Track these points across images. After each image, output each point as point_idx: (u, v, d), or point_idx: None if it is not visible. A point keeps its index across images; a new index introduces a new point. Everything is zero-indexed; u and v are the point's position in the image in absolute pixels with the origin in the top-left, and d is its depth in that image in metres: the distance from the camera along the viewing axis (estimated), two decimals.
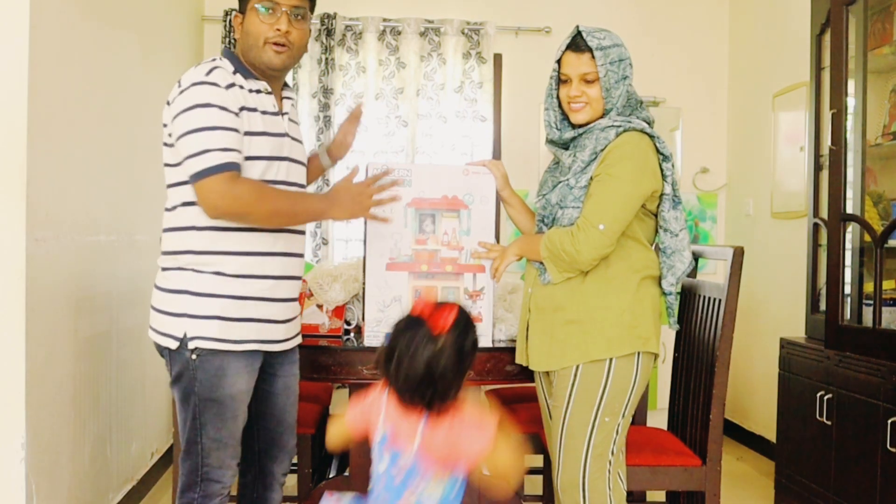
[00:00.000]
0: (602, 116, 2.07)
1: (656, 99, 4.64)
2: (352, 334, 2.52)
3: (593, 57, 2.02)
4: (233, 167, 1.84)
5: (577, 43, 2.04)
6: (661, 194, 2.05)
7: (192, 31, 4.28)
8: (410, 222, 2.26)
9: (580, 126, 2.10)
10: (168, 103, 1.92)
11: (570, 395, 2.02)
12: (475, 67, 4.45)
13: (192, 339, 1.89)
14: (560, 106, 2.14)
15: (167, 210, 1.98)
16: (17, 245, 2.25)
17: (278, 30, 1.93)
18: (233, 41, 4.29)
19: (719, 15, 4.74)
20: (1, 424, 2.25)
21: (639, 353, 2.02)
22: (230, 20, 4.29)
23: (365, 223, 2.25)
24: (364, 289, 2.28)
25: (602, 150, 2.01)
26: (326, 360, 2.31)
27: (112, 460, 3.03)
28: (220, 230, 1.90)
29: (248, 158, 1.91)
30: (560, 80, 2.10)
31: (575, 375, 2.01)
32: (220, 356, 1.91)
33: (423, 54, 4.44)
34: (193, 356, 1.89)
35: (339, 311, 2.51)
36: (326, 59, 4.34)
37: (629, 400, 2.03)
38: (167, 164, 1.97)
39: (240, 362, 1.93)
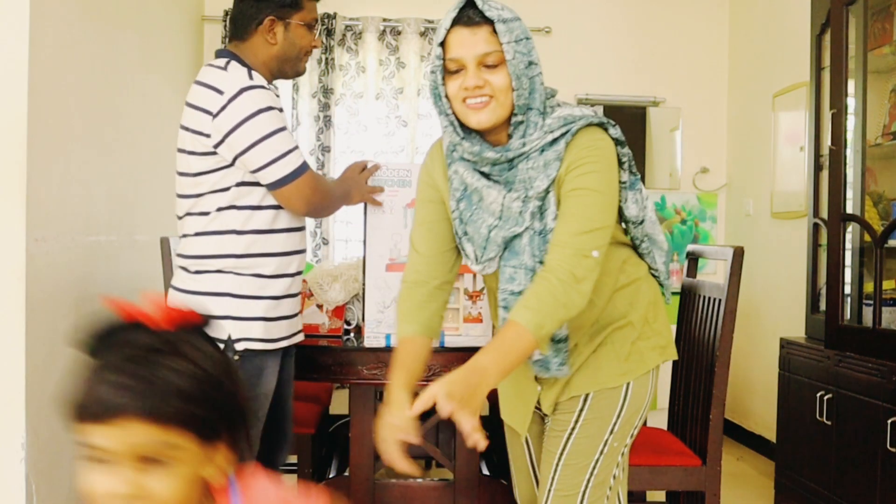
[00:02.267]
0: (510, 118, 1.55)
1: (656, 99, 4.64)
2: (352, 334, 2.52)
3: (494, 31, 1.49)
4: (308, 165, 1.95)
5: (470, 15, 1.49)
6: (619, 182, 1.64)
7: (192, 31, 4.28)
8: (410, 222, 2.26)
9: (485, 133, 1.58)
10: (209, 113, 1.88)
11: (575, 422, 1.68)
12: None
13: (238, 340, 1.92)
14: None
15: (199, 215, 1.96)
16: (17, 245, 2.25)
17: (316, 46, 2.08)
18: None
19: (719, 15, 4.74)
20: (1, 424, 2.25)
21: (655, 368, 1.73)
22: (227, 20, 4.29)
23: (364, 223, 2.26)
24: (364, 289, 2.28)
25: (559, 168, 1.55)
26: (326, 360, 2.31)
27: None
28: (259, 233, 1.95)
29: None
30: (446, 71, 1.54)
31: (584, 402, 1.68)
32: (260, 356, 1.96)
33: (423, 54, 4.45)
34: (235, 356, 1.92)
35: (339, 311, 2.51)
36: (326, 58, 4.34)
37: (640, 419, 1.73)
38: (199, 173, 1.94)
39: (273, 360, 2.01)
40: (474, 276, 2.27)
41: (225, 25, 4.30)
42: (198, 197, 1.94)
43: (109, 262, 2.98)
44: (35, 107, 2.31)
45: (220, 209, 1.93)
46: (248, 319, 1.93)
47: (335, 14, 4.36)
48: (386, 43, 4.44)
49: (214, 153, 1.90)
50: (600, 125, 1.59)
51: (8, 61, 2.24)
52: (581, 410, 1.68)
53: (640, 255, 1.75)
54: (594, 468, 1.67)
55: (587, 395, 1.68)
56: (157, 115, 3.62)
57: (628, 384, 1.67)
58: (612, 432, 1.68)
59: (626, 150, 1.64)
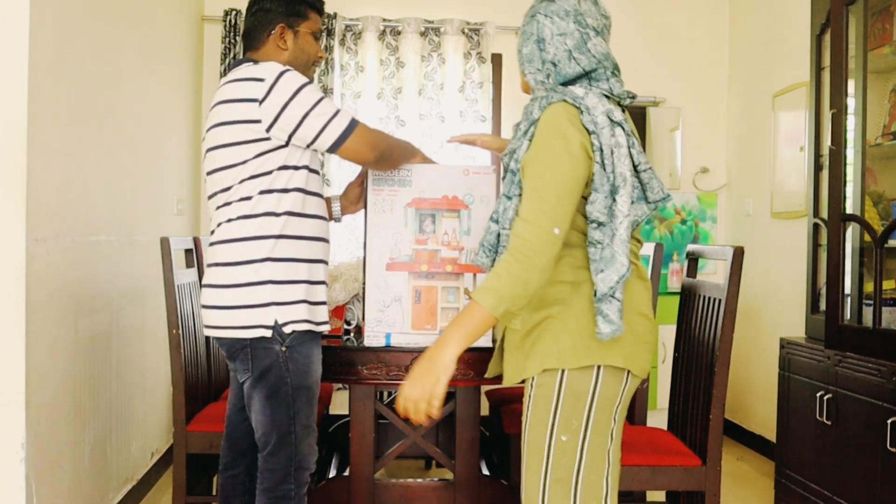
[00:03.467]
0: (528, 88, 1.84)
1: (656, 99, 4.64)
2: (352, 334, 2.53)
3: None
4: (358, 120, 2.04)
5: None
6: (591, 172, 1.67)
7: (192, 31, 4.28)
8: (410, 222, 2.27)
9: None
10: (256, 100, 1.96)
11: (527, 408, 1.76)
12: (475, 67, 4.46)
13: (286, 324, 1.99)
14: None
15: (240, 201, 2.00)
16: (17, 245, 2.25)
17: (321, 56, 2.21)
18: (233, 41, 4.29)
19: (719, 15, 4.75)
20: (1, 424, 2.25)
21: (599, 367, 1.70)
22: (231, 21, 4.29)
23: (365, 222, 2.27)
24: (364, 289, 2.28)
25: (531, 128, 1.71)
26: (326, 360, 2.31)
27: (112, 460, 3.03)
28: (292, 215, 2.02)
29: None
30: None
31: (531, 387, 1.75)
32: (307, 343, 2.03)
33: (423, 54, 4.45)
34: (283, 347, 1.99)
35: (339, 311, 2.51)
36: (326, 58, 4.34)
37: (589, 418, 1.70)
38: (247, 160, 1.99)
39: (319, 346, 2.09)
40: (474, 275, 2.27)
41: (225, 26, 4.30)
42: (239, 184, 2.00)
43: (109, 262, 2.98)
44: (35, 107, 2.31)
45: (262, 192, 1.99)
46: (292, 303, 2.00)
47: (335, 14, 4.36)
48: (386, 43, 4.44)
49: (266, 138, 1.97)
50: (577, 108, 1.67)
51: (8, 61, 2.25)
52: (529, 397, 1.75)
53: (591, 261, 1.68)
54: (548, 462, 1.70)
55: (533, 380, 1.73)
56: (157, 115, 3.62)
57: (563, 373, 1.69)
58: (554, 423, 1.70)
59: (600, 142, 1.64)
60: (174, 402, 2.60)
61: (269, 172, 1.99)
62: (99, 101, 2.87)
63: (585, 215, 1.70)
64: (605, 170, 1.65)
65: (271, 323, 1.97)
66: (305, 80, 2.00)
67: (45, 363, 2.40)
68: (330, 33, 4.35)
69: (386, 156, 2.11)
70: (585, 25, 1.74)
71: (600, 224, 1.66)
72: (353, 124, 2.01)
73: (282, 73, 1.97)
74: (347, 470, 2.54)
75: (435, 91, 4.44)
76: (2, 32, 2.24)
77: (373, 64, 4.42)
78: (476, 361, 2.32)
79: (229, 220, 2.01)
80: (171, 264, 2.60)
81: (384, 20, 4.41)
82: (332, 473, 3.05)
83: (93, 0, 2.80)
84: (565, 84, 1.74)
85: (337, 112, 2.00)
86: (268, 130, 1.96)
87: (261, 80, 1.96)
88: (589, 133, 1.65)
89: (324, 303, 2.10)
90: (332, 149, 2.01)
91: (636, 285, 1.77)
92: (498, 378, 2.34)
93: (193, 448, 2.57)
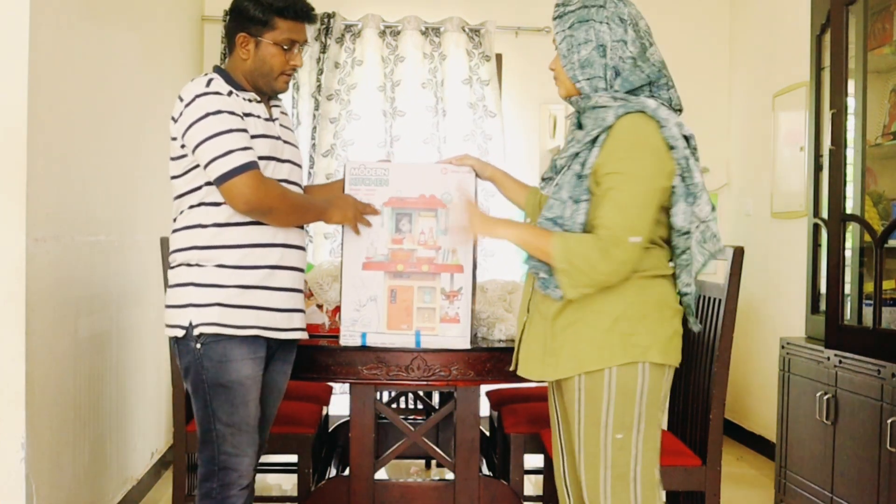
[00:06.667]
0: (578, 92, 1.83)
1: None
2: None
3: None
4: (256, 165, 1.97)
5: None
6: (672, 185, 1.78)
7: (192, 31, 4.28)
8: (387, 222, 2.24)
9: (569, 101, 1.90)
10: (174, 119, 2.01)
11: (578, 410, 1.82)
12: (475, 67, 4.46)
13: (196, 325, 1.99)
14: None
15: (178, 213, 2.08)
16: (17, 245, 2.25)
17: (295, 65, 2.09)
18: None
19: (719, 15, 4.74)
20: (1, 424, 2.25)
21: (642, 364, 1.78)
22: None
23: (343, 227, 2.26)
24: (341, 288, 2.27)
25: (602, 135, 1.76)
26: (326, 360, 2.31)
27: (112, 460, 3.03)
28: (221, 226, 2.01)
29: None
30: None
31: (579, 389, 1.81)
32: (223, 342, 2.00)
33: (424, 52, 4.45)
34: (198, 345, 1.99)
35: (338, 311, 2.50)
36: (326, 58, 4.34)
37: (640, 413, 1.79)
38: (174, 177, 2.07)
39: (242, 349, 2.02)
40: (451, 275, 2.25)
41: (225, 26, 4.31)
42: (179, 198, 2.06)
43: (109, 262, 2.98)
44: (35, 107, 2.31)
45: (191, 206, 2.03)
46: (205, 305, 1.99)
47: (334, 13, 4.36)
48: (386, 42, 4.44)
49: (186, 155, 2.01)
50: (656, 121, 1.74)
51: (8, 61, 2.25)
52: (579, 400, 1.81)
53: (676, 265, 1.84)
54: (606, 461, 1.79)
55: (579, 380, 1.80)
56: (157, 116, 3.62)
57: (610, 372, 1.77)
58: (607, 423, 1.78)
59: (681, 154, 1.74)
60: (174, 402, 2.60)
61: (199, 188, 2.01)
62: (99, 101, 2.87)
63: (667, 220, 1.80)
64: (684, 182, 1.75)
65: (186, 324, 2.00)
66: (217, 108, 1.94)
67: (45, 363, 2.40)
68: (329, 32, 4.35)
69: (261, 213, 1.98)
70: (641, 33, 1.87)
71: (685, 233, 1.78)
72: (241, 169, 1.92)
73: (197, 97, 1.96)
74: (347, 470, 2.54)
75: (436, 90, 4.44)
76: (2, 32, 2.24)
77: (372, 62, 4.42)
78: (476, 361, 2.31)
79: (172, 231, 2.08)
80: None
81: (383, 20, 4.42)
82: (332, 473, 3.05)
83: (93, 0, 2.80)
84: (629, 92, 1.79)
85: (234, 150, 1.93)
86: (182, 147, 2.00)
87: (181, 100, 1.99)
88: (670, 148, 1.74)
89: (254, 307, 2.01)
90: (215, 183, 1.96)
91: (666, 285, 1.86)
92: (498, 378, 2.34)
93: (193, 448, 2.57)
